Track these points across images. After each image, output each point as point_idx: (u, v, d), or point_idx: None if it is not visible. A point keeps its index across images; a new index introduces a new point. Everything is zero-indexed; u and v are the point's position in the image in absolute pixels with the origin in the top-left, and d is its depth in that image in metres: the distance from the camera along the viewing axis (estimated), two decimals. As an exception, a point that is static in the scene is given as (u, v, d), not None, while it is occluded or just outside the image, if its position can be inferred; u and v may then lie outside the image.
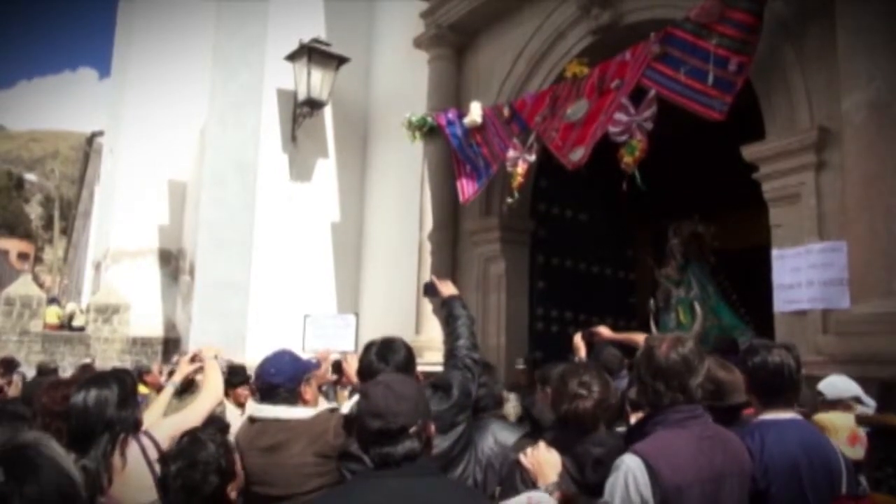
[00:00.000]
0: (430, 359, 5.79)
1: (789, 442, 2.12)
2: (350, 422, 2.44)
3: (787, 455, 2.08)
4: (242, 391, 4.70)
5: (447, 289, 2.93)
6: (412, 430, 1.71)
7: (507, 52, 6.93)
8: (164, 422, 2.58)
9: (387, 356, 2.46)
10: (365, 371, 2.49)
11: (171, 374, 5.50)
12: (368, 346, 2.55)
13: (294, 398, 2.57)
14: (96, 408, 2.35)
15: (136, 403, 2.50)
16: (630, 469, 1.83)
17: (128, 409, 2.41)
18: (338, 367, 4.30)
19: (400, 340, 2.56)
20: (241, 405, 4.70)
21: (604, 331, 3.97)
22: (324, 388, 3.88)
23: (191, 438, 2.14)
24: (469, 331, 2.71)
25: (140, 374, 6.09)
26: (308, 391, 2.63)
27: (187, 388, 4.11)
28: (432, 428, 1.81)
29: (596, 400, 2.16)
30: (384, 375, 1.98)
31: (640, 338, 3.42)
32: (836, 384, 3.38)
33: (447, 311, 2.82)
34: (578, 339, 3.94)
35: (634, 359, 2.21)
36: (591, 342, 3.89)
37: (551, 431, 2.25)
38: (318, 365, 3.08)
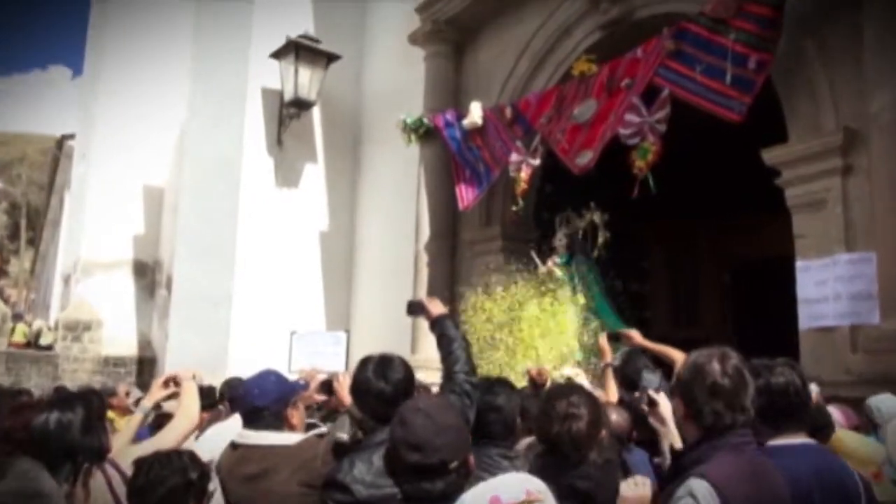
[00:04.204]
0: (426, 379, 5.77)
1: (802, 469, 2.10)
2: (340, 448, 2.42)
3: (799, 483, 2.07)
4: (205, 415, 4.69)
5: (436, 307, 2.84)
6: (453, 465, 1.66)
7: (509, 49, 6.96)
8: (132, 449, 2.53)
9: (386, 373, 2.43)
10: (361, 388, 2.45)
11: (138, 402, 5.41)
12: (364, 362, 2.51)
13: (279, 422, 2.55)
14: (58, 432, 2.30)
15: (102, 429, 2.45)
16: (701, 494, 1.82)
17: (93, 436, 2.36)
18: (327, 386, 4.27)
19: (399, 358, 2.53)
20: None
21: (634, 335, 3.92)
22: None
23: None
24: (466, 353, 2.68)
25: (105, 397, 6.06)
26: (294, 415, 2.61)
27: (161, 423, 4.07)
28: (473, 461, 1.77)
29: (589, 420, 2.17)
30: (422, 400, 1.90)
31: (676, 354, 3.37)
32: (886, 403, 3.37)
33: (439, 331, 2.79)
34: (604, 341, 3.92)
35: (676, 376, 2.18)
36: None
37: (538, 458, 2.24)
38: (305, 386, 3.06)
